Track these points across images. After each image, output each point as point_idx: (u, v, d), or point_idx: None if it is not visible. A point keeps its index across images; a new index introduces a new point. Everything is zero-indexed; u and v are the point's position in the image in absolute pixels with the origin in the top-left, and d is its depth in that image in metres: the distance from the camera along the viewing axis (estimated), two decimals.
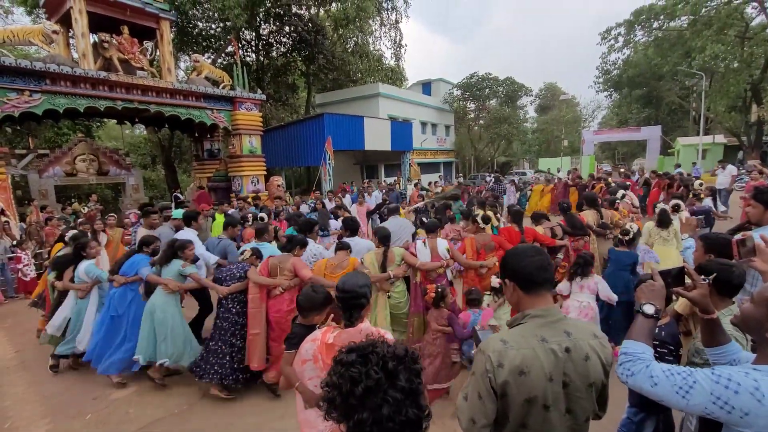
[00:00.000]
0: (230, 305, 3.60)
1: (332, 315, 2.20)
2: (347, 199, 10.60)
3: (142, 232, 4.92)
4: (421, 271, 3.77)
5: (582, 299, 3.64)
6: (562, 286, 3.83)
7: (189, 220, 4.87)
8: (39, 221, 8.40)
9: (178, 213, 5.25)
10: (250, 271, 3.58)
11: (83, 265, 3.99)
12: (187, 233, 4.65)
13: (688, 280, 1.43)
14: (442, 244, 3.95)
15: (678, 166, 15.31)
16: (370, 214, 8.43)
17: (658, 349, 2.19)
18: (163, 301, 3.67)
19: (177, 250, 3.76)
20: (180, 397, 3.68)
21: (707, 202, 7.07)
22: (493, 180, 15.87)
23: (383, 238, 3.75)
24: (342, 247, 3.71)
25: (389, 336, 1.72)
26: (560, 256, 4.91)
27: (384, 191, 11.77)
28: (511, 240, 4.38)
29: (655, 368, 1.14)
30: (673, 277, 1.43)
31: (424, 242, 3.97)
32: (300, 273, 3.46)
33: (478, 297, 3.53)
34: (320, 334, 1.83)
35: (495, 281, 3.60)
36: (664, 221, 4.82)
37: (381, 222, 6.33)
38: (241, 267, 3.68)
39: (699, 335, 2.09)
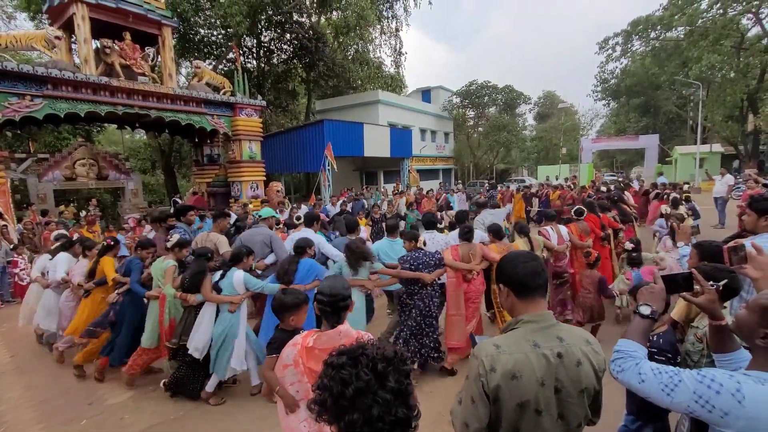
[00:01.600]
0: (431, 290, 3.82)
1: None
2: (303, 209, 10.48)
3: (220, 239, 4.44)
4: (554, 251, 4.79)
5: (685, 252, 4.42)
6: (662, 253, 4.78)
7: (311, 221, 4.86)
8: (33, 227, 8.34)
9: (268, 212, 5.06)
10: (447, 258, 3.87)
11: (237, 275, 3.45)
12: (308, 233, 4.56)
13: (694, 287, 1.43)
14: (563, 230, 4.94)
15: (661, 174, 15.76)
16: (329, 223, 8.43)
17: (656, 357, 2.19)
18: (360, 303, 3.70)
19: (362, 251, 3.80)
20: (176, 403, 3.65)
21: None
22: (488, 186, 16.11)
23: (522, 229, 4.68)
24: (497, 235, 4.44)
25: (368, 336, 1.75)
26: (621, 235, 6.15)
27: (341, 201, 11.29)
28: (596, 224, 5.43)
29: (644, 366, 1.19)
30: (679, 282, 1.42)
31: (552, 229, 4.86)
32: (489, 256, 3.98)
33: (638, 258, 4.56)
34: (300, 338, 1.84)
35: (628, 245, 4.80)
36: (675, 203, 6.33)
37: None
38: (432, 255, 3.87)
39: (689, 338, 2.12)
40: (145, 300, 3.85)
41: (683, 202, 7.52)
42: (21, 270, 7.31)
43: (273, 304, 2.23)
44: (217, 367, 3.46)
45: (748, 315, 1.20)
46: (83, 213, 11.14)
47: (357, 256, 3.74)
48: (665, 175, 15.97)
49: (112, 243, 4.30)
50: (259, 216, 4.83)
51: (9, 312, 6.79)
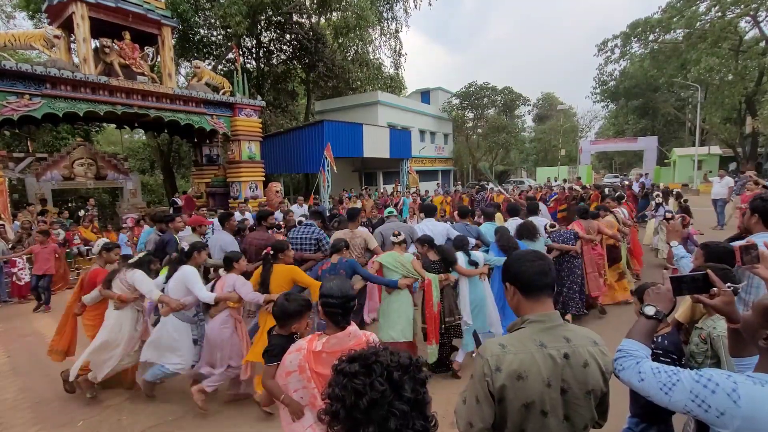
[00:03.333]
0: (574, 258, 4.94)
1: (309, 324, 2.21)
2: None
3: (369, 236, 4.92)
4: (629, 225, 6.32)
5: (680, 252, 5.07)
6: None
7: (432, 211, 5.57)
8: (30, 226, 8.23)
9: (392, 210, 5.99)
10: (581, 232, 4.98)
11: (479, 254, 4.22)
12: (431, 222, 5.33)
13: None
14: (619, 214, 6.11)
15: (642, 175, 15.86)
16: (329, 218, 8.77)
17: (662, 359, 2.17)
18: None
19: (533, 232, 4.59)
20: (174, 404, 3.62)
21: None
22: (477, 188, 16.22)
23: (580, 213, 5.59)
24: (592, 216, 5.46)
25: (375, 338, 1.72)
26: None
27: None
28: (631, 211, 6.97)
29: (644, 365, 1.20)
30: (689, 284, 1.37)
31: (614, 216, 5.95)
32: (603, 230, 5.25)
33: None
34: (305, 342, 1.76)
35: (668, 214, 5.84)
36: (679, 195, 7.41)
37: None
38: (570, 232, 4.96)
39: (693, 339, 2.10)
40: (381, 292, 4.12)
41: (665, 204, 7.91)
42: (19, 269, 7.26)
43: (274, 311, 2.13)
44: (467, 340, 3.89)
45: (752, 316, 1.19)
46: (81, 212, 11.06)
47: (530, 231, 4.51)
48: (681, 176, 15.98)
49: (272, 250, 3.48)
50: (391, 212, 5.84)
51: (6, 312, 6.74)
